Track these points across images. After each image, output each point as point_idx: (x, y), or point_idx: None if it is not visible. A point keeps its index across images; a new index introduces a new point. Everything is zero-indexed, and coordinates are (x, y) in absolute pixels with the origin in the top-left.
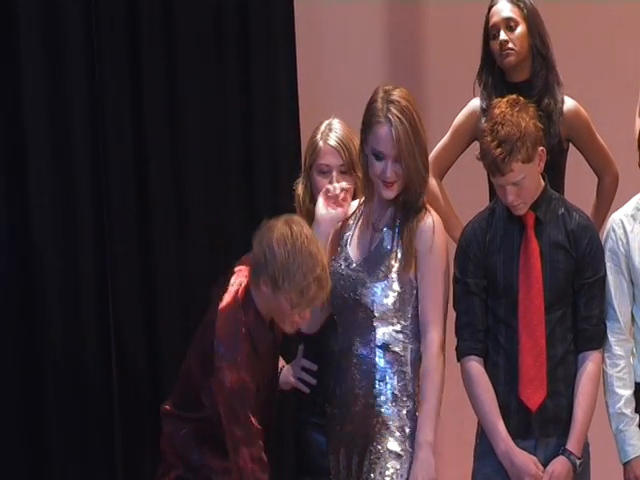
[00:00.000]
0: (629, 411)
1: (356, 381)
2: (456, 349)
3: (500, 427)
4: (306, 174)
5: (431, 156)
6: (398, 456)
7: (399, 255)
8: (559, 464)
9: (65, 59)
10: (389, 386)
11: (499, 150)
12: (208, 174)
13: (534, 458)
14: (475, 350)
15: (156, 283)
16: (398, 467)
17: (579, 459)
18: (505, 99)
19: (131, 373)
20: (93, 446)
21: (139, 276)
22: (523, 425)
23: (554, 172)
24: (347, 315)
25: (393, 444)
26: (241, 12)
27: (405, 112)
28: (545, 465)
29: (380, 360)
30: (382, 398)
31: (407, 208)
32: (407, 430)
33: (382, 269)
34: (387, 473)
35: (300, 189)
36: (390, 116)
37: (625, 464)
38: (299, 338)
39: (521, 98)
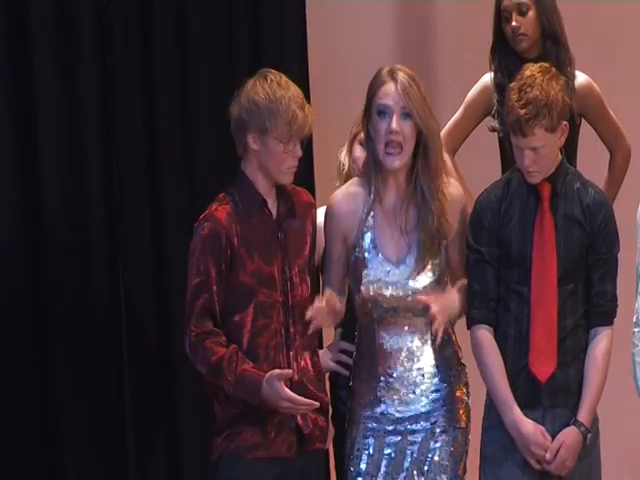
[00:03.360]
0: None
1: (415, 377)
2: (467, 316)
3: (508, 397)
4: (349, 145)
5: (444, 132)
6: (459, 428)
7: (441, 253)
8: (570, 435)
9: (76, 43)
10: (445, 365)
11: (524, 111)
12: (221, 166)
13: (542, 428)
14: (486, 319)
15: (166, 263)
16: (459, 437)
17: (589, 432)
18: (538, 64)
19: (141, 342)
20: (102, 415)
21: (150, 258)
22: (531, 395)
23: (567, 147)
24: (398, 318)
25: (455, 418)
26: (252, 10)
27: (411, 76)
28: (553, 436)
29: (436, 350)
30: (441, 380)
31: (425, 189)
32: (463, 400)
33: (429, 271)
34: (452, 447)
35: (342, 156)
36: (396, 76)
37: None
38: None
39: (553, 68)
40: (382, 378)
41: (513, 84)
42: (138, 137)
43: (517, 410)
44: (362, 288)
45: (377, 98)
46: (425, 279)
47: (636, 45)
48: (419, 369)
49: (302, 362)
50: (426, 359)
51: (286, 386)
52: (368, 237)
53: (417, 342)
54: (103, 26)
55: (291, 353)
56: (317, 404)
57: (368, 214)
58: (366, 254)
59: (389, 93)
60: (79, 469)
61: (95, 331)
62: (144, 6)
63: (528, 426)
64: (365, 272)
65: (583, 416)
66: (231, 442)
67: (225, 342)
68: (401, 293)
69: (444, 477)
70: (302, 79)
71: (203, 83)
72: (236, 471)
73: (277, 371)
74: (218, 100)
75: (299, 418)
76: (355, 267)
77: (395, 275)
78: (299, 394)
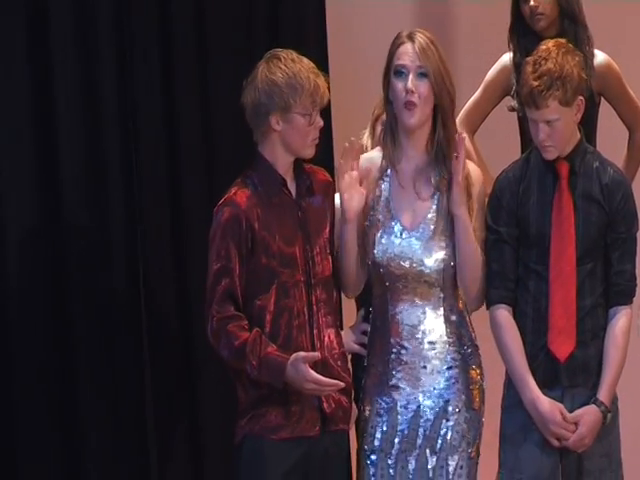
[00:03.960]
0: None
1: (427, 351)
2: (486, 296)
3: (527, 376)
4: (372, 127)
5: (463, 112)
6: (472, 409)
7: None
8: (589, 412)
9: (96, 43)
10: (458, 343)
11: (537, 82)
12: (241, 166)
13: (560, 406)
14: (505, 299)
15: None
16: (472, 418)
17: (609, 411)
18: (554, 40)
19: (162, 333)
20: (123, 405)
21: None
22: (550, 375)
23: (586, 126)
24: (409, 287)
25: (468, 399)
26: (271, 10)
27: (430, 38)
28: None
29: (451, 317)
30: (454, 357)
31: (443, 155)
32: (477, 381)
33: (443, 241)
34: (464, 427)
35: (365, 138)
36: (414, 37)
37: None
38: (358, 304)
39: (570, 44)
40: (394, 350)
41: (529, 58)
42: (158, 137)
43: (535, 388)
44: (375, 252)
45: (395, 59)
46: (439, 251)
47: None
48: (431, 343)
49: (326, 340)
50: (438, 334)
51: (310, 365)
52: (383, 201)
53: (429, 315)
54: (122, 26)
55: (314, 332)
56: (342, 384)
57: (383, 178)
58: (380, 217)
59: (406, 53)
60: (100, 468)
61: (116, 330)
62: (164, 6)
63: (545, 404)
64: (378, 236)
65: (603, 395)
66: (255, 424)
67: (247, 326)
68: (413, 261)
69: (455, 457)
70: None
71: (223, 82)
72: (261, 452)
73: (302, 354)
74: (238, 100)
75: (322, 397)
76: (369, 230)
77: (408, 242)
78: (323, 373)
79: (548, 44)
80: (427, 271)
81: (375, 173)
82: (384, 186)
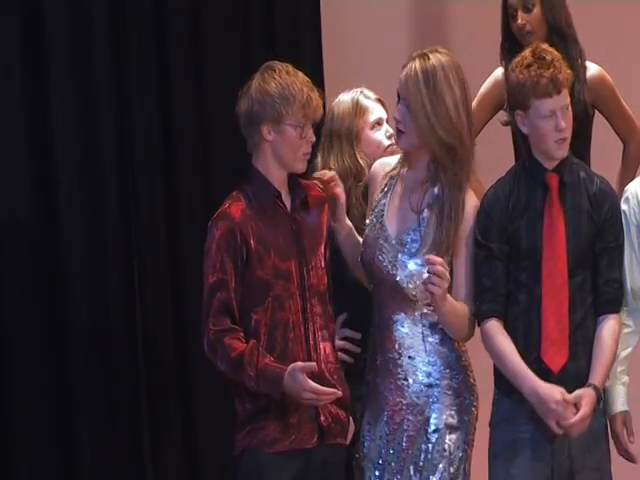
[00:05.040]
0: (619, 370)
1: (407, 365)
2: (476, 312)
3: (523, 368)
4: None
5: None
6: (454, 428)
7: (443, 237)
8: (587, 396)
9: (91, 44)
10: (439, 362)
11: (551, 69)
12: (237, 168)
13: (560, 388)
14: (497, 313)
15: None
16: (454, 438)
17: (601, 398)
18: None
19: (156, 340)
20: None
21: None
22: None
23: (580, 138)
24: (389, 295)
25: (449, 418)
26: (267, 10)
27: (427, 66)
28: None
29: (428, 338)
30: (434, 375)
31: (445, 181)
32: (462, 402)
33: (424, 252)
34: (445, 447)
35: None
36: (409, 63)
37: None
38: (341, 308)
39: None
40: (379, 357)
41: (525, 64)
42: (153, 137)
43: (533, 376)
44: (362, 252)
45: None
46: (417, 267)
47: (636, 45)
48: (410, 358)
49: (322, 353)
50: (416, 351)
51: (307, 376)
52: (380, 205)
53: (408, 330)
54: (118, 26)
55: (310, 344)
56: (340, 393)
57: (388, 184)
58: (374, 219)
59: (399, 81)
60: (98, 472)
61: (111, 331)
62: (159, 7)
63: (545, 387)
64: (365, 235)
65: (597, 379)
66: (253, 437)
67: (244, 338)
68: (389, 269)
69: (437, 476)
70: (317, 79)
71: (218, 82)
72: (259, 466)
73: (300, 364)
74: (233, 101)
75: (319, 410)
76: (363, 231)
77: (389, 250)
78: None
79: (528, 48)
80: (401, 283)
81: (383, 178)
82: (387, 191)
